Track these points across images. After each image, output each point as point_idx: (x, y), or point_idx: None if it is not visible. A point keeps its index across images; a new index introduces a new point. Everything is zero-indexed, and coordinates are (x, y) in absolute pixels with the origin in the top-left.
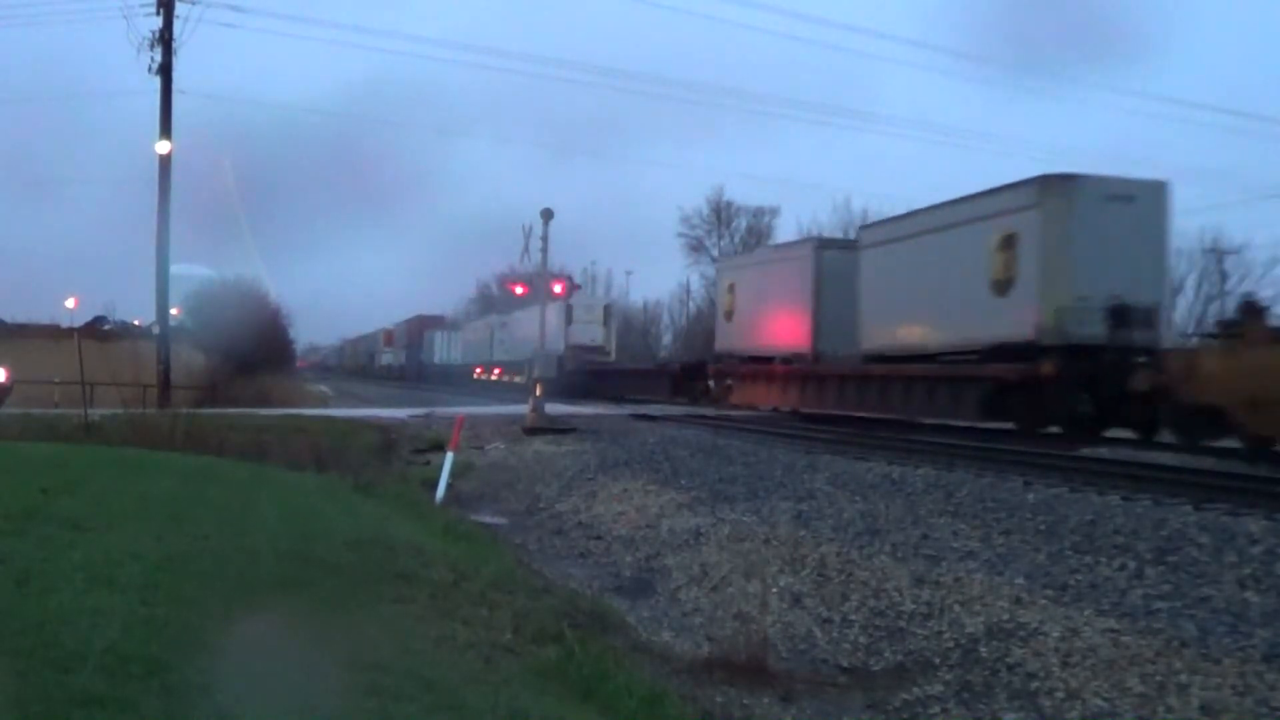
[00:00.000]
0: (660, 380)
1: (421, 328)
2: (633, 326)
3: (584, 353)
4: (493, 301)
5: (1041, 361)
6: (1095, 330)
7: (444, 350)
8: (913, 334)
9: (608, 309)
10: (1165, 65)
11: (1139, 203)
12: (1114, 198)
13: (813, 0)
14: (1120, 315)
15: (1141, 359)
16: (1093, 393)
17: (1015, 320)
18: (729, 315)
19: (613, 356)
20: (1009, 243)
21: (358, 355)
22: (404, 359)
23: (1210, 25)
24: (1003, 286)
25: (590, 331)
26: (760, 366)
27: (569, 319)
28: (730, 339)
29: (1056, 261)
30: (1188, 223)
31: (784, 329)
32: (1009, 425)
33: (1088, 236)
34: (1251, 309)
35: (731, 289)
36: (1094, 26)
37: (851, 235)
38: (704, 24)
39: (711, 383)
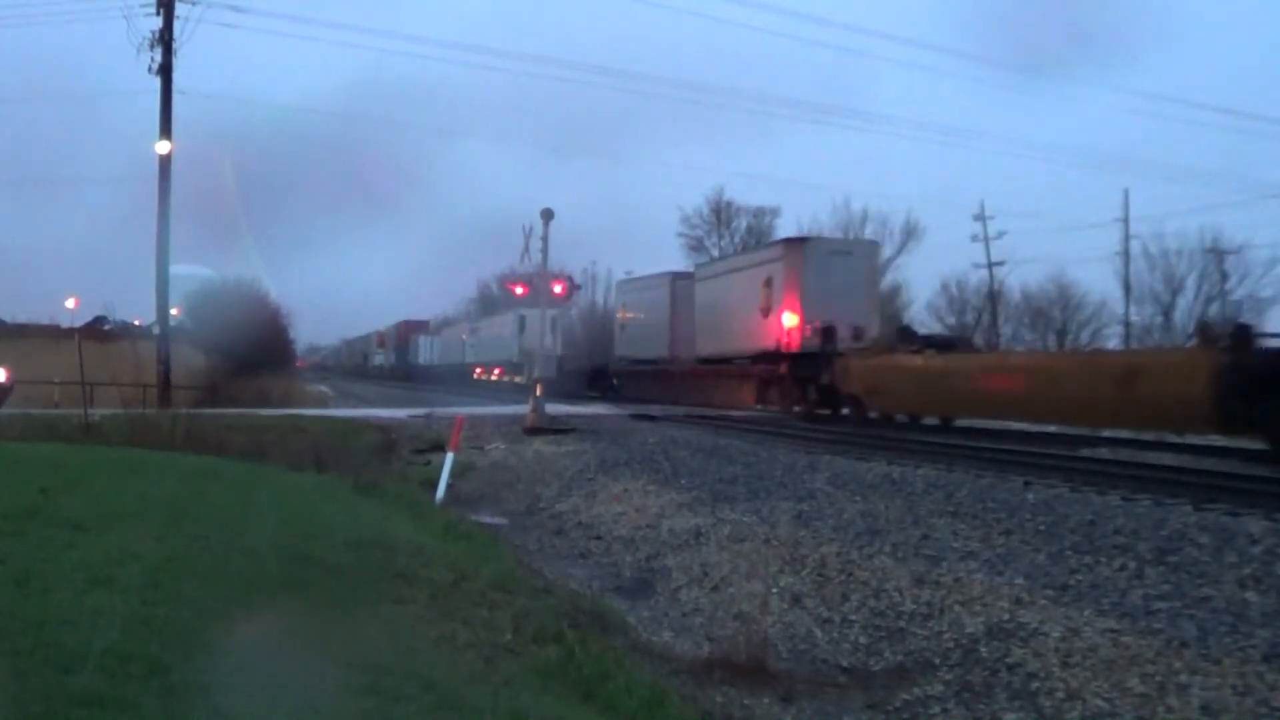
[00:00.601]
0: (581, 378)
1: (407, 332)
2: None
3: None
4: (493, 302)
5: (779, 364)
6: (814, 343)
7: (426, 352)
8: (721, 344)
9: (554, 319)
10: (1166, 64)
11: (855, 255)
12: (835, 253)
13: (813, 0)
14: (829, 333)
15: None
16: (814, 385)
17: (770, 335)
18: (622, 328)
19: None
20: (769, 283)
21: (354, 355)
22: (393, 359)
23: (1210, 25)
24: (766, 312)
25: (486, 348)
26: (639, 367)
27: (522, 328)
28: (623, 347)
29: (791, 296)
30: (1187, 223)
31: (653, 339)
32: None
33: (813, 279)
34: (905, 332)
35: (624, 307)
36: (1094, 26)
37: (842, 235)
38: (704, 24)
39: (615, 380)
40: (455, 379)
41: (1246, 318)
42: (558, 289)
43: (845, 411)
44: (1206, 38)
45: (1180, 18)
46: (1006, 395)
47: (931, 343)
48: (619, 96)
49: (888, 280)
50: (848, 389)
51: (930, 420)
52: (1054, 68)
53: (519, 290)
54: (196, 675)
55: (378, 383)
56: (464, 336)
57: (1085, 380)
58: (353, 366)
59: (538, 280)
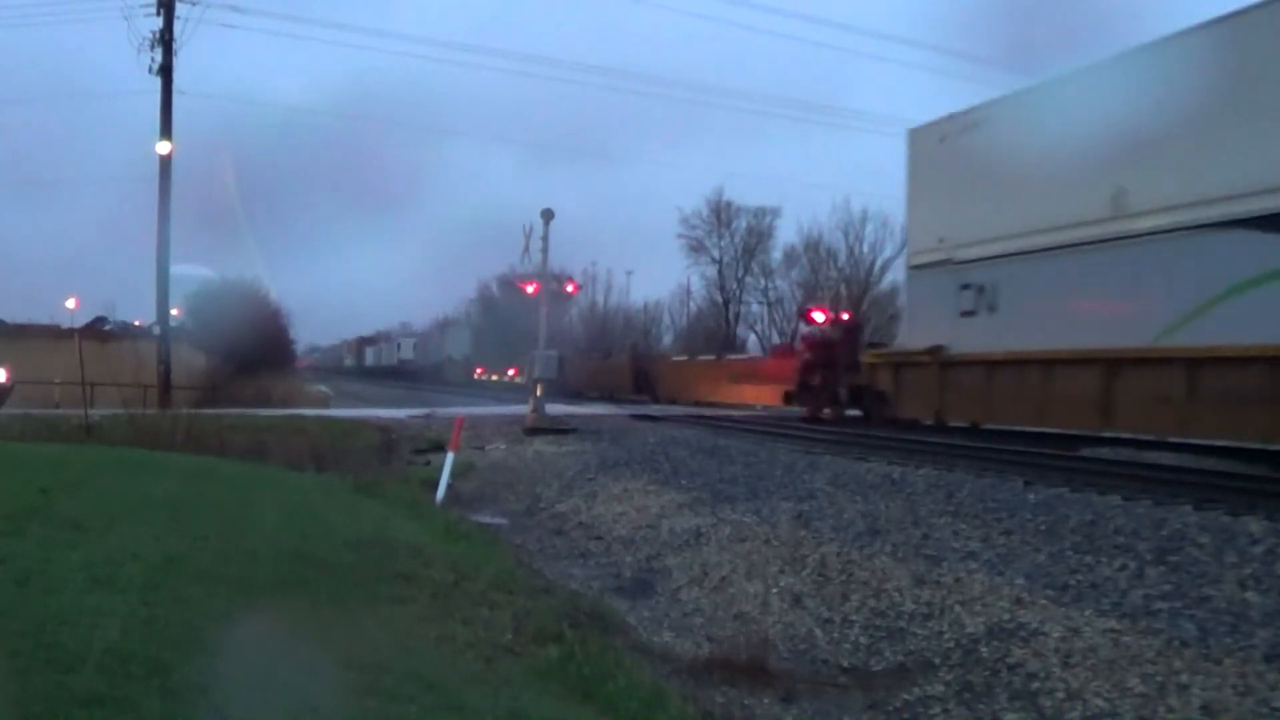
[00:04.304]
0: (432, 372)
1: (361, 344)
2: (633, 326)
3: (405, 362)
4: (492, 302)
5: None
6: (469, 358)
7: (369, 358)
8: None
9: (416, 343)
10: None
11: (459, 327)
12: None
13: (812, 0)
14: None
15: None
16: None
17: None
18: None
19: (414, 361)
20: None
21: (337, 358)
22: (354, 361)
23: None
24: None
25: (407, 352)
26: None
27: (399, 349)
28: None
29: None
30: None
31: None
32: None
33: (455, 337)
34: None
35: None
36: (1093, 26)
37: (845, 233)
38: (703, 24)
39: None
40: (378, 374)
41: None
42: (570, 288)
43: None
44: None
45: (1179, 17)
46: None
47: None
48: (618, 96)
49: (887, 280)
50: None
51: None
52: (1053, 68)
53: (529, 289)
54: (196, 675)
55: (346, 379)
56: (381, 349)
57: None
58: (335, 367)
59: (539, 280)
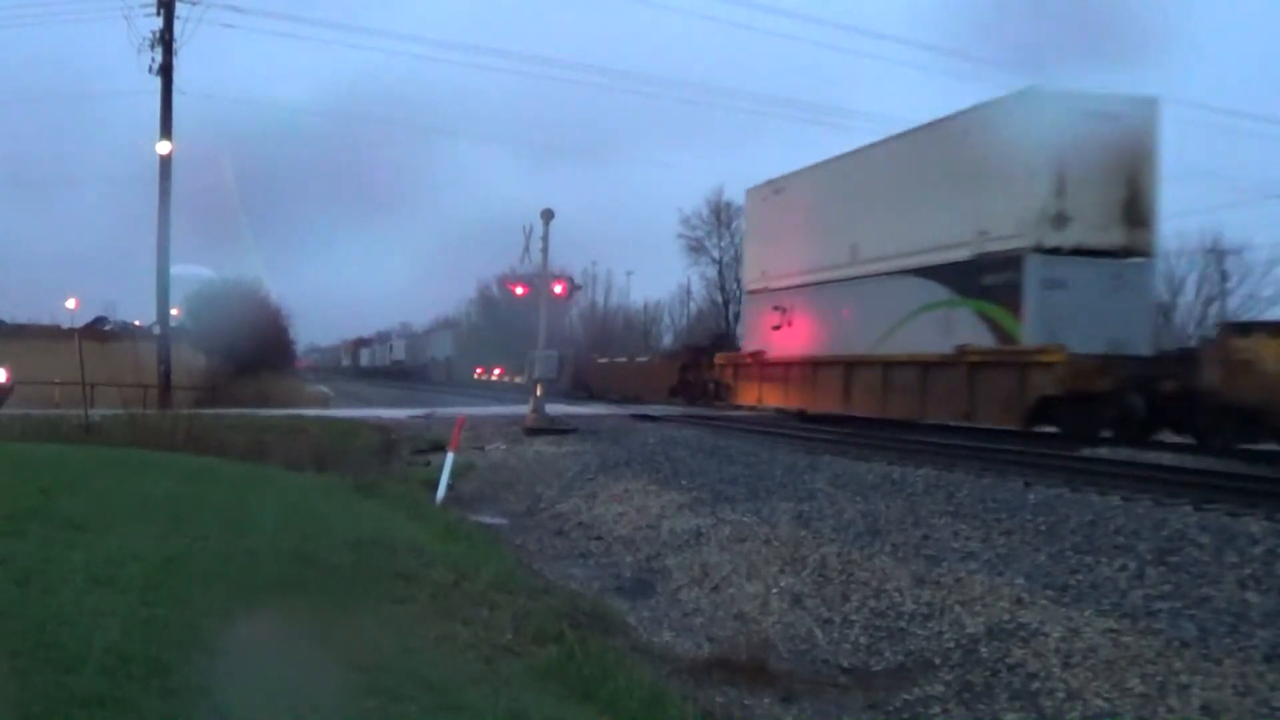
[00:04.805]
0: (420, 372)
1: (357, 345)
2: (633, 327)
3: (398, 363)
4: (493, 302)
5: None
6: (452, 359)
7: (364, 358)
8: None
9: (408, 345)
10: (1165, 64)
11: (443, 330)
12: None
13: (812, 0)
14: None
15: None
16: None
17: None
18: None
19: (406, 362)
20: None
21: (335, 359)
22: (350, 361)
23: (1210, 24)
24: None
25: (400, 353)
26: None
27: (390, 350)
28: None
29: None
30: (1188, 223)
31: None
32: None
33: (439, 339)
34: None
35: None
36: (1093, 26)
37: None
38: (703, 24)
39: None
40: (374, 375)
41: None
42: (558, 289)
43: None
44: (1205, 37)
45: (1181, 17)
46: None
47: None
48: (618, 96)
49: None
50: None
51: None
52: (1054, 68)
53: (519, 291)
54: (196, 675)
55: (345, 379)
56: (376, 350)
57: None
58: (333, 367)
59: (538, 281)
